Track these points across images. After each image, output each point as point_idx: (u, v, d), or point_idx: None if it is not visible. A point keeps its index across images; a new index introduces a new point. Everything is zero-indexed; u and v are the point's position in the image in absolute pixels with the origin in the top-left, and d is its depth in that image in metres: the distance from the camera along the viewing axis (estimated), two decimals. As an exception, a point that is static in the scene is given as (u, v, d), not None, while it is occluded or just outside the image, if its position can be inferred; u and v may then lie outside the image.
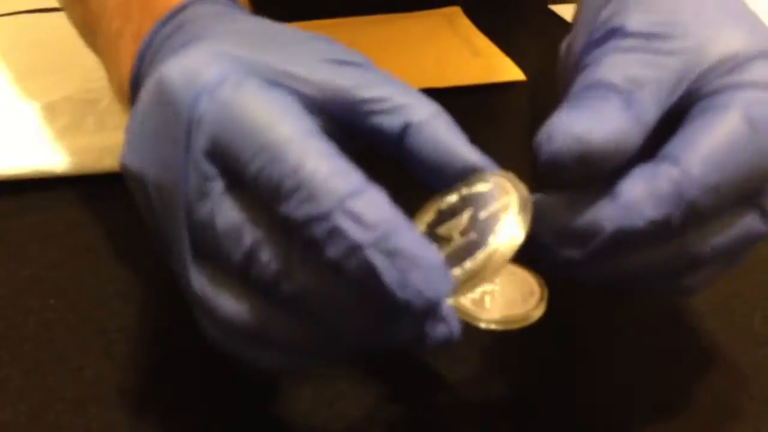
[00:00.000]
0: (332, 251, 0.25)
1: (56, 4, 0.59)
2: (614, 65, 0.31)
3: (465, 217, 0.30)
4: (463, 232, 0.29)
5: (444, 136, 0.30)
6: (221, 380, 0.36)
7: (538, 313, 0.40)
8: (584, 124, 0.29)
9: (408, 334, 0.27)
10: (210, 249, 0.28)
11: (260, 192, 0.26)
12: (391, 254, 0.25)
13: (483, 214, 0.29)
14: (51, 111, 0.54)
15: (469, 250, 0.28)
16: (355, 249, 0.25)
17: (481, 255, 0.28)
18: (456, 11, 0.73)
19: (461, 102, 0.61)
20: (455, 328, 0.27)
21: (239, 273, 0.27)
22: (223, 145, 0.27)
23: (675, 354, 0.39)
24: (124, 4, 0.37)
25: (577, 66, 0.34)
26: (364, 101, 0.29)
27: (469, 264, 0.28)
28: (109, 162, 0.50)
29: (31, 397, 0.36)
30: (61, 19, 0.65)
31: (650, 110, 0.30)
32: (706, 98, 0.31)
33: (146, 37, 0.33)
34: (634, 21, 0.32)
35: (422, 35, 0.69)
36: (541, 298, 0.41)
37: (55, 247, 0.45)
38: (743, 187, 0.30)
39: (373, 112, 0.29)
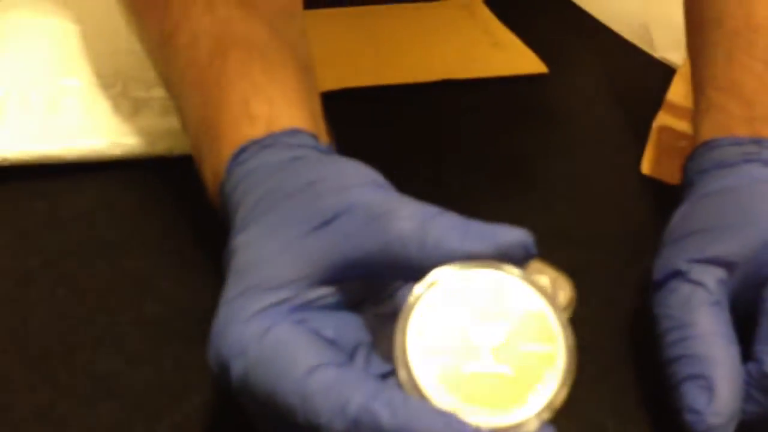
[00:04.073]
0: None
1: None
2: None
3: (500, 331, 0.27)
4: (498, 356, 0.27)
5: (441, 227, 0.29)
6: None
7: (566, 315, 0.39)
8: None
9: None
10: None
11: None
12: None
13: (523, 346, 0.27)
14: (59, 96, 0.52)
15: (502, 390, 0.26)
16: None
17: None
18: (476, 1, 0.71)
19: (482, 94, 0.60)
20: None
21: None
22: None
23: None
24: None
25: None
26: (347, 261, 0.29)
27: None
28: (119, 150, 0.49)
29: (40, 391, 0.35)
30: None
31: None
32: None
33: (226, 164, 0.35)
34: None
35: (442, 25, 0.67)
36: (571, 299, 0.40)
37: (63, 235, 0.43)
38: None
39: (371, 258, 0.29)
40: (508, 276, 0.28)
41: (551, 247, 0.43)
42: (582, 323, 0.39)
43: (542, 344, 0.27)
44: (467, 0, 0.71)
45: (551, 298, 0.28)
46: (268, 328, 0.28)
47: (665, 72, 0.58)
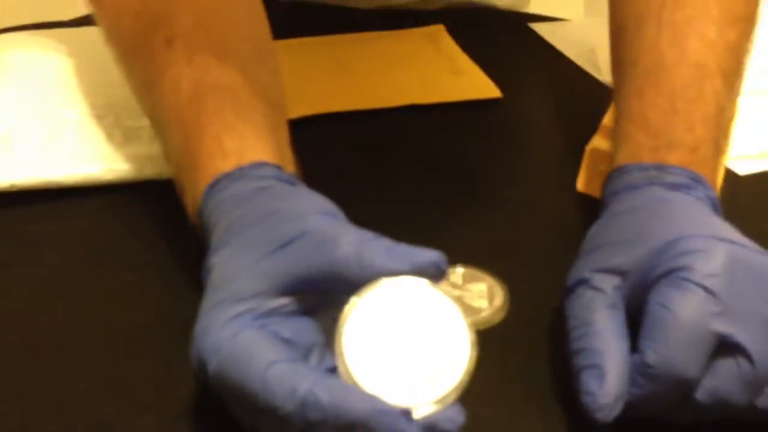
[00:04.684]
0: None
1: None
2: None
3: (419, 330, 0.34)
4: (416, 350, 0.33)
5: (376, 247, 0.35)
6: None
7: (500, 316, 0.45)
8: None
9: None
10: None
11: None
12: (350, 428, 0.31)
13: (438, 342, 0.34)
14: (58, 127, 0.58)
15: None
16: None
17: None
18: (440, 30, 0.77)
19: (441, 118, 0.65)
20: None
21: None
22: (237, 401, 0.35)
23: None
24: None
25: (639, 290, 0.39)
26: (300, 278, 0.35)
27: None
28: (112, 175, 0.54)
29: (47, 386, 0.40)
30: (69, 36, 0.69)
31: None
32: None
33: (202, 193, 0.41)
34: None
35: (407, 54, 0.73)
36: (504, 303, 0.46)
37: (65, 253, 0.49)
38: None
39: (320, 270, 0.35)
40: (428, 287, 0.34)
41: (492, 257, 0.49)
42: (514, 324, 0.45)
43: (452, 340, 0.34)
44: (431, 29, 0.77)
45: (461, 304, 0.35)
46: (237, 332, 0.34)
47: (610, 95, 0.63)
